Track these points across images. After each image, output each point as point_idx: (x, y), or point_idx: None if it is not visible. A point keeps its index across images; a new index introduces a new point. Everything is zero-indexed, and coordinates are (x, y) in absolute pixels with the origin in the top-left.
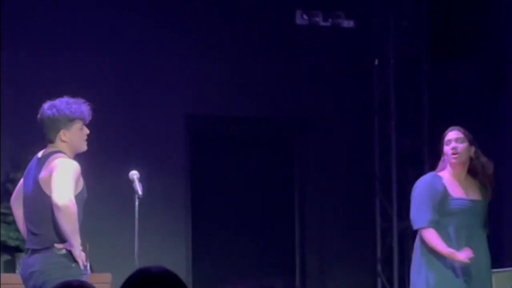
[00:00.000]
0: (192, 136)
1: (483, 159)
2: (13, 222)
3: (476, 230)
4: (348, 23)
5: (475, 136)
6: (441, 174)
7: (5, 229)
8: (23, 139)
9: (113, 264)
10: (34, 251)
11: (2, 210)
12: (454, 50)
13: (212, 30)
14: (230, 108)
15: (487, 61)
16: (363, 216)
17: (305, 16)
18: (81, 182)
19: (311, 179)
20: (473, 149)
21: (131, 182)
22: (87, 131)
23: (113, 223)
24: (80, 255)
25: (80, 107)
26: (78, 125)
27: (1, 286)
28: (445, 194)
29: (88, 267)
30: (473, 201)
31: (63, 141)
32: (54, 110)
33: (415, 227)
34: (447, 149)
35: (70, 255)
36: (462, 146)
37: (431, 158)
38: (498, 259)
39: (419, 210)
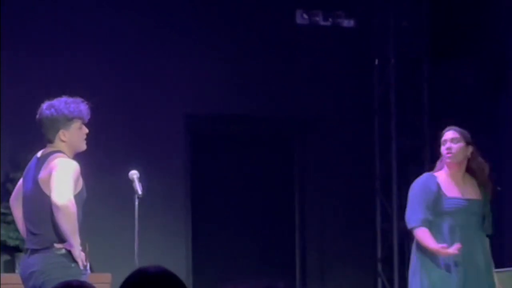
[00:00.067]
0: (192, 136)
1: (479, 159)
2: (13, 222)
3: (472, 229)
4: (348, 23)
5: (475, 136)
6: (437, 173)
7: (5, 229)
8: (23, 139)
9: (113, 264)
10: (34, 251)
11: (2, 210)
12: (454, 50)
13: (212, 30)
14: (230, 108)
15: (487, 61)
16: (363, 216)
17: (305, 16)
18: (81, 182)
19: (311, 179)
20: (470, 149)
21: (131, 182)
22: (86, 130)
23: (113, 223)
24: (79, 255)
25: (78, 106)
26: (77, 124)
27: (1, 286)
28: (439, 194)
29: (88, 267)
30: (469, 200)
31: (62, 141)
32: (52, 110)
33: (408, 226)
34: (442, 149)
35: (69, 255)
36: (457, 146)
37: (431, 158)
38: (498, 259)
39: (412, 210)
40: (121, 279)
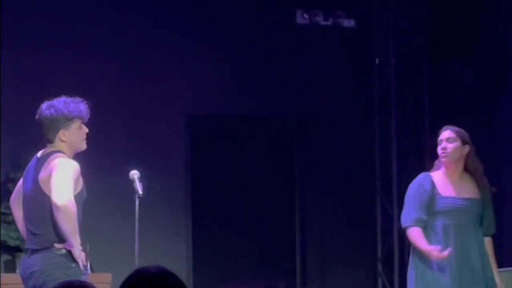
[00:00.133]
0: (192, 136)
1: (475, 159)
2: (13, 222)
3: (468, 229)
4: (348, 23)
5: (475, 136)
6: (434, 173)
7: (5, 229)
8: (23, 139)
9: (114, 264)
10: (34, 251)
11: (2, 210)
12: (454, 50)
13: (212, 30)
14: (230, 107)
15: (487, 61)
16: (364, 216)
17: (305, 16)
18: (81, 182)
19: (311, 179)
20: (467, 148)
21: (131, 181)
22: (86, 129)
23: (114, 223)
24: (79, 255)
25: (78, 106)
26: (76, 124)
27: (1, 286)
28: (433, 193)
29: (89, 267)
30: (465, 199)
31: (62, 141)
32: (52, 110)
33: (402, 226)
34: (438, 148)
35: (69, 255)
36: (452, 146)
37: (432, 158)
38: (498, 259)
39: (407, 210)
40: (121, 279)
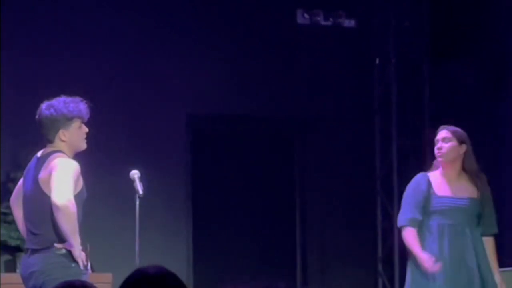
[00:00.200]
0: (192, 135)
1: (471, 159)
2: (13, 222)
3: (463, 228)
4: (349, 23)
5: (475, 136)
6: (431, 173)
7: (6, 228)
8: (23, 139)
9: (114, 263)
10: (34, 251)
11: (3, 210)
12: (454, 50)
13: (212, 30)
14: (230, 107)
15: (487, 61)
16: (364, 216)
17: (306, 15)
18: (81, 182)
19: (311, 179)
20: (463, 148)
21: (131, 181)
22: (86, 129)
23: (114, 222)
24: (79, 255)
25: (77, 105)
26: (76, 124)
27: (2, 285)
28: (429, 193)
29: (89, 267)
30: (462, 199)
31: (62, 141)
32: (52, 110)
33: (398, 226)
34: (435, 148)
35: (70, 255)
36: (447, 146)
37: (432, 157)
38: (498, 259)
39: (402, 210)
40: (122, 279)
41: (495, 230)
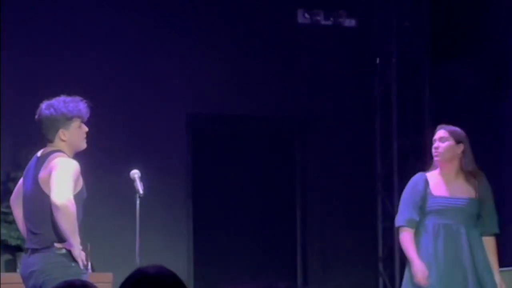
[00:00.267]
0: (193, 135)
1: (468, 159)
2: (14, 222)
3: (459, 228)
4: (349, 22)
5: (475, 136)
6: (429, 173)
7: (6, 228)
8: (23, 139)
9: (114, 263)
10: (34, 250)
11: (3, 210)
12: (454, 50)
13: (212, 30)
14: (230, 107)
15: (487, 61)
16: (365, 216)
17: (306, 15)
18: (81, 182)
19: (312, 179)
20: (461, 147)
21: (132, 181)
22: (85, 128)
23: (114, 222)
24: (79, 254)
25: (77, 105)
26: (76, 123)
27: (2, 285)
28: (426, 193)
29: (89, 267)
30: (458, 199)
31: (62, 140)
32: (51, 109)
33: (396, 226)
34: (432, 148)
35: (69, 254)
36: (444, 145)
37: (432, 157)
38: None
39: (400, 210)
40: (122, 278)
41: (495, 230)
